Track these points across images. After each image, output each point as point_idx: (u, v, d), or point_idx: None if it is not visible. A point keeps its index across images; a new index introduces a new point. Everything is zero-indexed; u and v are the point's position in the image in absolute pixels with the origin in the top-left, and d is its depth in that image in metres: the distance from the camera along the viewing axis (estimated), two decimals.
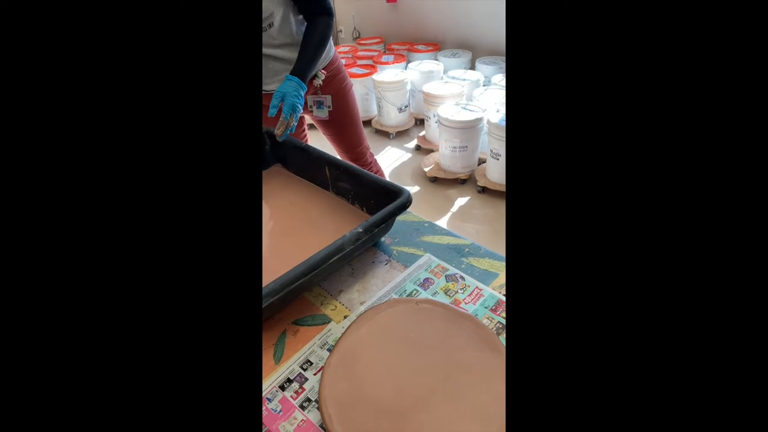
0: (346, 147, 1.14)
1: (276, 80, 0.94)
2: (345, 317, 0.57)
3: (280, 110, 0.85)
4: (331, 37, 1.02)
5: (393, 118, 2.36)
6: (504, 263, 0.64)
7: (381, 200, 0.65)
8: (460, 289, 0.60)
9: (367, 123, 2.52)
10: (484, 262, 0.64)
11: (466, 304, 0.57)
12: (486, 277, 0.61)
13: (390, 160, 2.18)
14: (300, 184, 0.84)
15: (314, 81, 0.97)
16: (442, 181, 1.94)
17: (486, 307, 0.57)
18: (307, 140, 1.17)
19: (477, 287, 0.60)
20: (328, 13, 0.88)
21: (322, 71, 0.97)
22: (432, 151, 2.12)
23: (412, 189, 1.92)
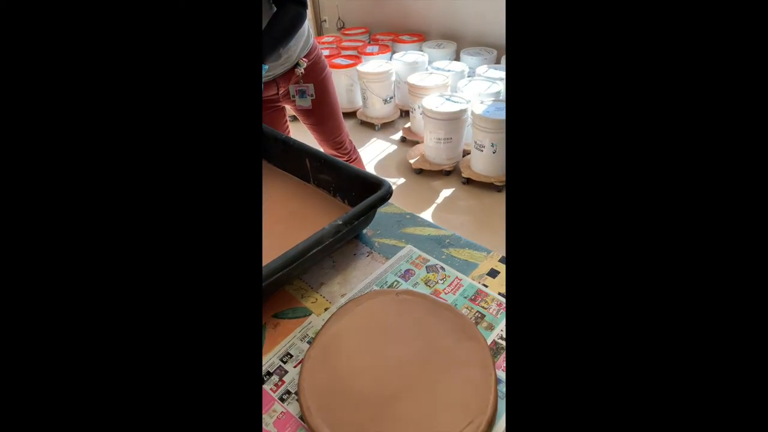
0: (326, 136, 1.13)
1: None
2: (326, 309, 0.57)
3: None
4: (310, 26, 1.00)
5: (378, 109, 2.35)
6: (484, 254, 0.64)
7: (362, 192, 0.65)
8: (441, 280, 0.60)
9: (352, 114, 2.50)
10: (464, 253, 0.65)
11: (446, 294, 0.58)
12: (466, 267, 0.62)
13: (375, 152, 2.18)
14: (280, 176, 0.83)
15: (296, 70, 0.96)
16: (427, 173, 1.94)
17: (465, 297, 0.57)
18: (288, 132, 1.15)
19: (457, 277, 0.60)
20: (298, 2, 0.84)
21: (304, 59, 0.96)
22: (417, 142, 2.12)
23: (398, 180, 1.92)
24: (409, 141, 2.20)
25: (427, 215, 1.70)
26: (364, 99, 2.36)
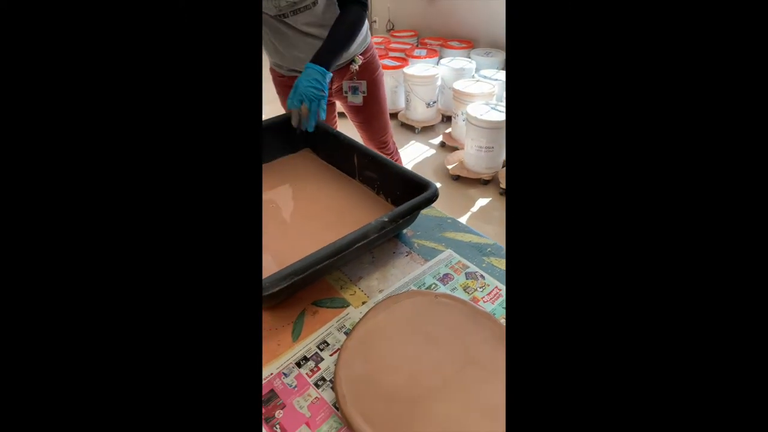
0: (373, 135, 1.14)
1: (310, 52, 0.90)
2: (363, 303, 0.58)
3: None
4: (368, 25, 1.02)
5: (420, 112, 2.35)
6: None
7: (407, 192, 0.65)
8: (480, 288, 0.60)
9: (393, 116, 2.52)
10: (505, 263, 0.64)
11: (484, 302, 0.57)
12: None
13: (413, 155, 2.18)
14: (326, 170, 0.85)
15: (351, 66, 0.98)
16: (464, 180, 1.93)
17: (504, 308, 0.57)
18: (336, 124, 1.17)
19: (497, 287, 0.60)
20: (360, 3, 0.86)
21: (360, 56, 0.98)
22: (457, 149, 2.10)
23: None
24: (448, 146, 2.19)
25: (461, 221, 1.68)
26: (407, 101, 2.36)
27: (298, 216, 0.75)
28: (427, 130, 2.41)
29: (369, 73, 1.02)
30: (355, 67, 0.97)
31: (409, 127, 2.42)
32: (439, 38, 2.75)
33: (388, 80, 2.45)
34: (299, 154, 0.91)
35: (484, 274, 0.62)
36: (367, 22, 1.00)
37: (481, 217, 1.72)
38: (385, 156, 1.23)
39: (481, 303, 0.57)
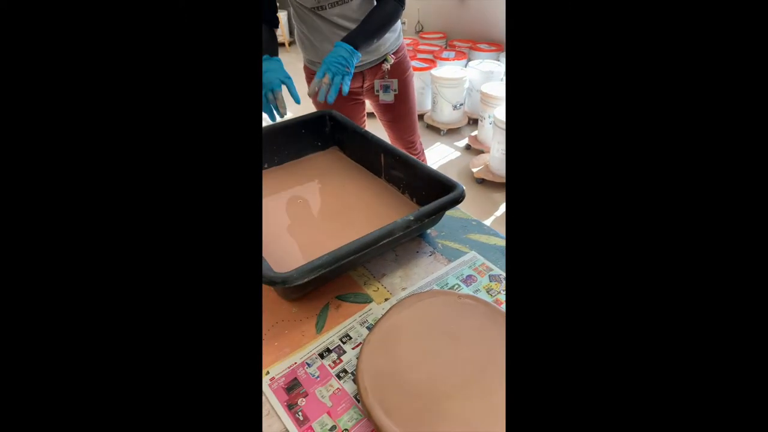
0: (401, 134, 1.15)
1: None
2: (386, 300, 0.59)
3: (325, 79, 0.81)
4: (401, 26, 1.03)
5: (446, 114, 2.34)
6: None
7: (432, 193, 0.66)
8: (503, 290, 0.60)
9: (420, 117, 2.52)
10: None
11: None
12: None
13: (438, 157, 2.18)
14: (353, 168, 0.86)
15: (383, 65, 0.99)
16: (489, 184, 1.91)
17: None
18: (365, 123, 1.19)
19: None
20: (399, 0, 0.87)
21: (392, 56, 0.99)
22: (482, 152, 2.09)
23: None
24: (473, 149, 2.17)
25: None
26: (434, 103, 2.36)
27: (325, 212, 0.77)
28: (452, 132, 2.40)
29: (400, 72, 1.03)
30: (387, 66, 0.98)
31: (434, 129, 2.42)
32: (468, 40, 2.74)
33: (416, 81, 2.45)
34: (327, 151, 0.92)
35: None
36: (399, 23, 1.01)
37: (502, 221, 1.70)
38: (412, 156, 1.24)
39: (503, 306, 0.57)
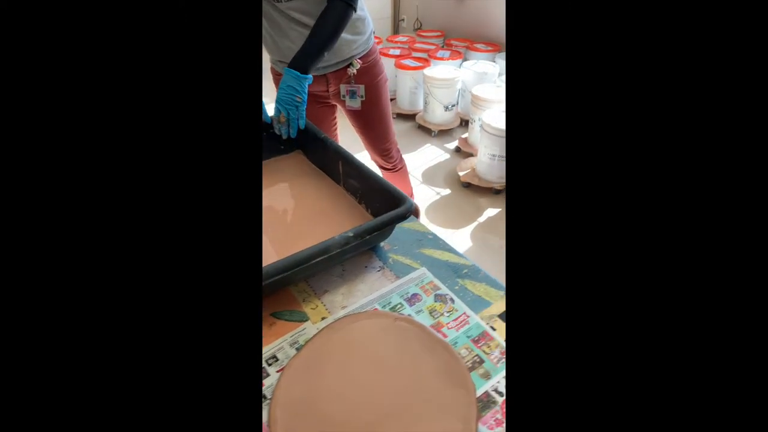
0: (373, 142, 1.12)
1: (300, 41, 0.86)
2: (323, 319, 0.56)
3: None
4: (372, 30, 0.99)
5: (438, 116, 2.31)
6: (501, 292, 0.60)
7: (386, 205, 0.63)
8: (447, 312, 0.57)
9: (411, 117, 2.48)
10: (479, 288, 0.61)
11: (448, 329, 0.54)
12: (477, 304, 0.58)
13: (426, 159, 2.14)
14: (314, 174, 0.84)
15: (348, 69, 0.95)
16: (475, 189, 1.87)
17: (468, 337, 0.53)
18: (336, 130, 1.16)
19: (465, 313, 0.57)
20: (346, 0, 0.81)
21: (358, 60, 0.95)
22: (471, 155, 2.05)
23: (442, 192, 1.88)
24: (463, 152, 2.13)
25: (466, 232, 1.64)
26: (426, 104, 2.32)
27: (279, 221, 0.74)
28: (444, 134, 2.36)
29: (369, 77, 0.99)
30: (352, 70, 0.95)
31: (425, 130, 2.38)
32: (465, 39, 2.69)
33: (408, 81, 2.41)
34: (291, 155, 0.89)
35: (455, 297, 0.59)
36: (369, 26, 0.97)
37: (487, 227, 1.67)
38: (383, 166, 1.21)
39: (444, 329, 0.54)
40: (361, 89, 0.97)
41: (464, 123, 2.41)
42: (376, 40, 2.77)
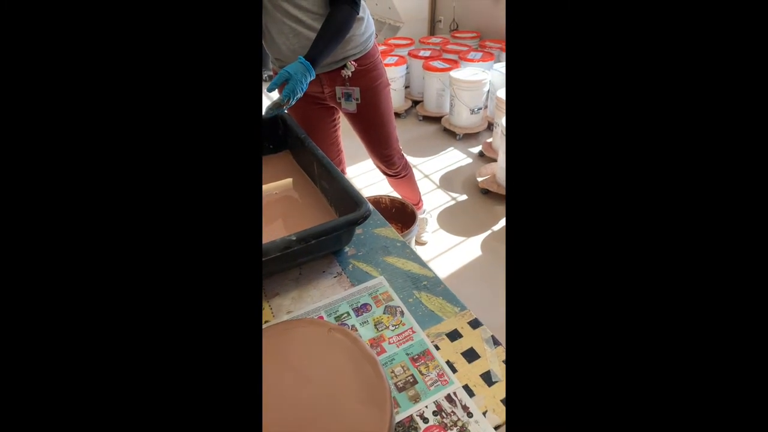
0: (373, 147, 1.10)
1: (293, 40, 0.89)
2: (266, 322, 0.55)
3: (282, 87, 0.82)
4: (372, 32, 0.96)
5: (464, 119, 2.24)
6: (456, 309, 0.56)
7: (347, 209, 0.61)
8: (393, 325, 0.54)
9: (437, 120, 2.43)
10: (435, 302, 0.57)
11: (389, 343, 0.51)
12: (428, 319, 0.54)
13: (447, 162, 2.08)
14: (297, 175, 0.83)
15: (342, 72, 0.94)
16: (493, 196, 1.79)
17: (408, 354, 0.50)
18: (337, 132, 1.15)
19: (411, 328, 0.53)
20: (351, 2, 0.81)
21: (352, 63, 0.93)
22: (494, 160, 1.97)
23: (459, 197, 1.81)
24: (486, 157, 2.05)
25: (477, 240, 1.57)
26: (452, 106, 2.26)
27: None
28: (469, 137, 2.29)
29: (367, 81, 0.97)
30: (347, 72, 0.93)
31: (450, 133, 2.32)
32: (500, 41, 2.60)
33: (435, 83, 2.36)
34: (279, 155, 0.90)
35: (405, 310, 0.56)
36: (370, 28, 0.95)
37: (500, 237, 1.59)
38: (384, 172, 1.18)
39: (385, 343, 0.51)
40: (356, 92, 0.96)
41: (491, 126, 2.32)
42: (407, 42, 2.75)
